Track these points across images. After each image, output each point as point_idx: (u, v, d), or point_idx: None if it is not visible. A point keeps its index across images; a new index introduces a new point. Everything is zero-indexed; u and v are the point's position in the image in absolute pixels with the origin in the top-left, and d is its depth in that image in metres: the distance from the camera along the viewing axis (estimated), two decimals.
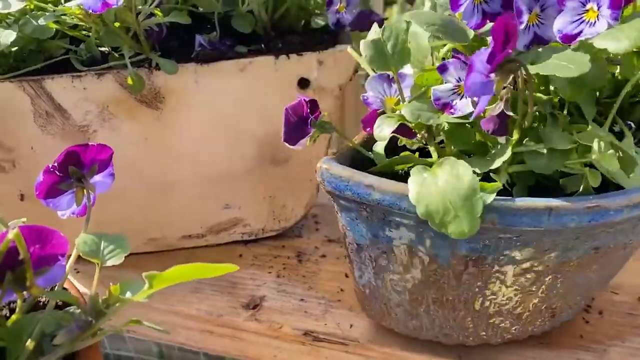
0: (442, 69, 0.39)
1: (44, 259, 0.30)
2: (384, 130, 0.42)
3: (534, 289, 0.46)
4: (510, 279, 0.44)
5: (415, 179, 0.38)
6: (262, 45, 0.61)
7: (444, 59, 0.47)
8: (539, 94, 0.42)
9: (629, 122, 0.46)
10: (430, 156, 0.43)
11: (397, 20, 0.43)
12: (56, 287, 0.34)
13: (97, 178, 0.39)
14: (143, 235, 0.69)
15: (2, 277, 0.29)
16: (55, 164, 0.36)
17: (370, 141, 0.47)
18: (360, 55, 0.46)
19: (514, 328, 0.51)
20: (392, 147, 0.47)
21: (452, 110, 0.40)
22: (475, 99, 0.37)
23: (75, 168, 0.37)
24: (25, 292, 0.29)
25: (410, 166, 0.42)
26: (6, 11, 0.52)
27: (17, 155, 0.61)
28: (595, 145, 0.38)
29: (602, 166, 0.41)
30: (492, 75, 0.35)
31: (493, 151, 0.41)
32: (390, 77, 0.44)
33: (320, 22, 0.60)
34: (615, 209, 0.40)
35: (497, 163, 0.39)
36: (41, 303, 0.35)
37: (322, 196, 0.76)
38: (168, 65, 0.56)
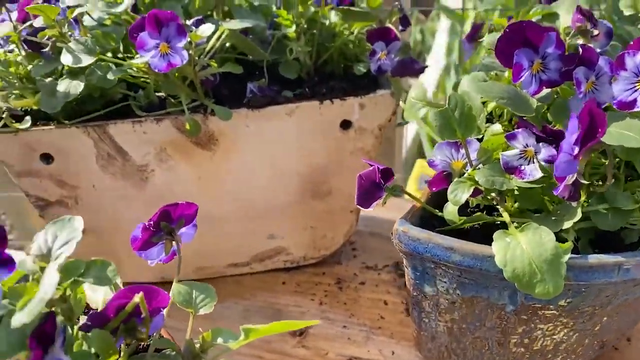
0: (511, 137, 0.42)
1: (152, 312, 0.34)
2: (458, 195, 0.44)
3: (590, 328, 0.49)
4: (571, 322, 0.47)
5: (500, 244, 0.41)
6: (307, 90, 0.65)
7: (490, 113, 0.50)
8: (598, 157, 0.45)
9: None
10: (494, 211, 0.46)
11: (461, 89, 0.47)
12: (155, 334, 0.39)
13: (183, 230, 0.43)
14: (193, 264, 0.73)
15: (117, 327, 0.33)
16: (151, 222, 0.40)
17: (435, 199, 0.50)
18: (399, 98, 0.49)
19: None
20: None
21: (522, 175, 0.43)
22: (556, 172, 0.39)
23: (167, 223, 0.41)
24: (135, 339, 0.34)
25: (477, 222, 0.45)
26: (78, 66, 0.57)
27: (80, 192, 0.66)
28: None
29: None
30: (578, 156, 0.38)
31: (557, 210, 0.44)
32: (458, 144, 0.47)
33: (361, 69, 0.64)
34: None
35: (568, 224, 0.42)
36: (140, 347, 0.40)
37: (359, 223, 0.80)
38: (222, 112, 0.61)
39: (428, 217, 0.49)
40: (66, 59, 0.57)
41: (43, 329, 0.28)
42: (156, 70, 0.53)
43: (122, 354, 0.36)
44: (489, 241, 0.42)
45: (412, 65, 0.63)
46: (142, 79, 0.63)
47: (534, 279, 0.39)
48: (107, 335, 0.33)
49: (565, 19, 0.54)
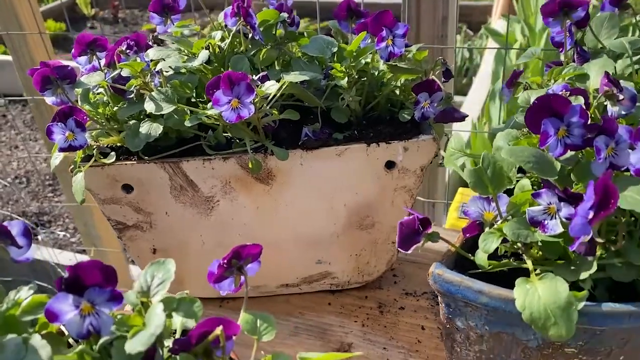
0: (537, 195, 0.48)
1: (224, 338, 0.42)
2: (488, 244, 0.51)
3: None
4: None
5: (520, 290, 0.47)
6: (355, 133, 0.72)
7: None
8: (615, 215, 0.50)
9: None
10: (521, 257, 0.52)
11: (496, 144, 0.53)
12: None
13: (250, 265, 0.51)
14: (249, 283, 0.81)
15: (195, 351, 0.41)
16: (225, 260, 0.48)
17: (468, 244, 0.57)
18: (440, 142, 0.55)
19: None
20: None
21: (545, 229, 0.48)
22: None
23: (237, 260, 0.49)
24: None
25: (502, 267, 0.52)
26: (159, 113, 0.66)
27: (154, 218, 0.75)
28: None
29: None
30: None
31: (575, 259, 0.49)
32: (490, 198, 0.53)
33: (406, 116, 0.70)
34: None
35: (584, 275, 0.47)
36: None
37: (401, 253, 0.86)
38: (280, 152, 0.68)
39: (462, 259, 0.55)
40: (149, 106, 0.66)
41: (149, 355, 0.36)
42: (227, 121, 0.61)
43: None
44: (514, 285, 0.48)
45: (453, 114, 0.69)
46: (212, 123, 0.72)
47: (548, 323, 0.44)
48: (191, 357, 0.41)
49: (595, 81, 0.59)
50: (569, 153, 0.51)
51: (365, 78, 0.72)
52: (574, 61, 0.65)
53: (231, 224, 0.76)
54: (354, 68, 0.70)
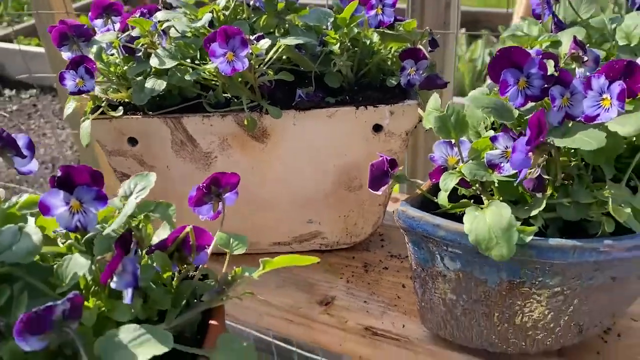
0: (494, 139, 0.52)
1: (198, 247, 0.47)
2: (447, 184, 0.55)
3: (564, 308, 0.57)
4: (545, 300, 0.56)
5: (469, 217, 0.51)
6: (347, 97, 0.77)
7: (493, 123, 0.60)
8: (568, 159, 0.54)
9: None
10: (482, 202, 0.56)
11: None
12: (200, 267, 0.51)
13: (228, 195, 0.55)
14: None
15: (172, 255, 0.46)
16: (204, 184, 0.53)
17: (435, 189, 0.60)
18: (425, 110, 0.60)
19: (548, 340, 0.62)
20: (453, 194, 0.60)
21: (500, 171, 0.52)
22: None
23: (216, 187, 0.54)
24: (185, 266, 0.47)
25: (460, 207, 0.56)
26: (162, 67, 0.71)
27: (156, 171, 0.80)
28: (609, 200, 0.50)
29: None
30: (530, 154, 0.48)
31: (531, 202, 0.53)
32: (453, 143, 0.58)
33: (393, 81, 0.75)
34: (624, 249, 0.51)
35: (534, 212, 0.52)
36: (189, 276, 0.52)
37: (387, 218, 0.91)
38: (275, 111, 0.73)
39: (428, 202, 0.59)
40: (154, 62, 0.72)
41: (124, 238, 0.41)
42: (223, 74, 0.67)
43: (175, 278, 0.49)
44: None
45: (436, 81, 0.74)
46: (213, 82, 0.77)
47: (491, 243, 0.48)
48: (166, 256, 0.46)
49: (566, 47, 0.63)
50: (530, 104, 0.54)
51: (357, 48, 0.77)
52: (552, 31, 0.69)
53: None
54: (347, 35, 0.75)
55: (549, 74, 0.53)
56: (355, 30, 0.76)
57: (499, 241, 0.48)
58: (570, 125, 0.52)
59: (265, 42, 0.68)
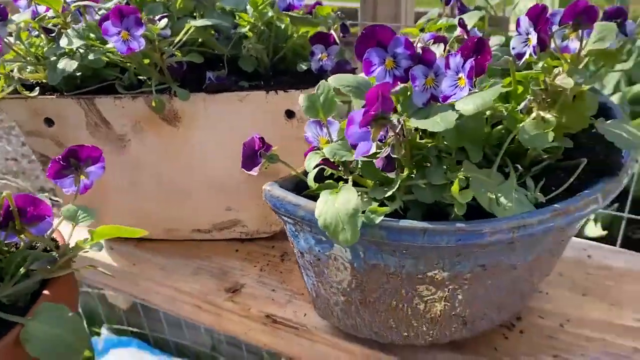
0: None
1: (35, 216, 0.47)
2: (311, 162, 0.55)
3: (436, 297, 0.56)
4: (414, 286, 0.55)
5: (322, 199, 0.50)
6: (262, 82, 0.76)
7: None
8: (426, 141, 0.53)
9: (517, 165, 0.55)
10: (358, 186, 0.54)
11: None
12: (46, 236, 0.51)
13: (91, 169, 0.55)
14: (162, 226, 0.86)
15: (6, 225, 0.46)
16: (60, 157, 0.53)
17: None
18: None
19: (431, 332, 0.61)
20: (326, 176, 0.59)
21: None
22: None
23: (75, 160, 0.53)
24: (24, 237, 0.46)
25: (326, 188, 0.54)
26: (69, 47, 0.71)
27: None
28: (455, 183, 0.49)
29: (481, 199, 0.51)
30: (367, 127, 0.47)
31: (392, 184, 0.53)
32: (322, 122, 0.57)
33: (303, 67, 0.74)
34: (478, 233, 0.49)
35: (389, 193, 0.51)
36: (34, 245, 0.52)
37: None
38: (183, 93, 0.73)
39: (304, 184, 0.58)
40: (63, 42, 0.72)
41: None
42: (120, 53, 0.66)
43: (19, 247, 0.49)
44: None
45: (345, 66, 0.72)
46: (128, 64, 0.77)
47: (338, 228, 0.47)
48: None
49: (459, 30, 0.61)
50: (401, 85, 0.53)
51: (272, 32, 0.76)
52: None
53: (142, 164, 0.80)
54: (260, 19, 0.74)
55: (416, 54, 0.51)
56: (270, 13, 0.75)
57: (345, 226, 0.47)
58: (433, 107, 0.50)
59: (163, 22, 0.67)
